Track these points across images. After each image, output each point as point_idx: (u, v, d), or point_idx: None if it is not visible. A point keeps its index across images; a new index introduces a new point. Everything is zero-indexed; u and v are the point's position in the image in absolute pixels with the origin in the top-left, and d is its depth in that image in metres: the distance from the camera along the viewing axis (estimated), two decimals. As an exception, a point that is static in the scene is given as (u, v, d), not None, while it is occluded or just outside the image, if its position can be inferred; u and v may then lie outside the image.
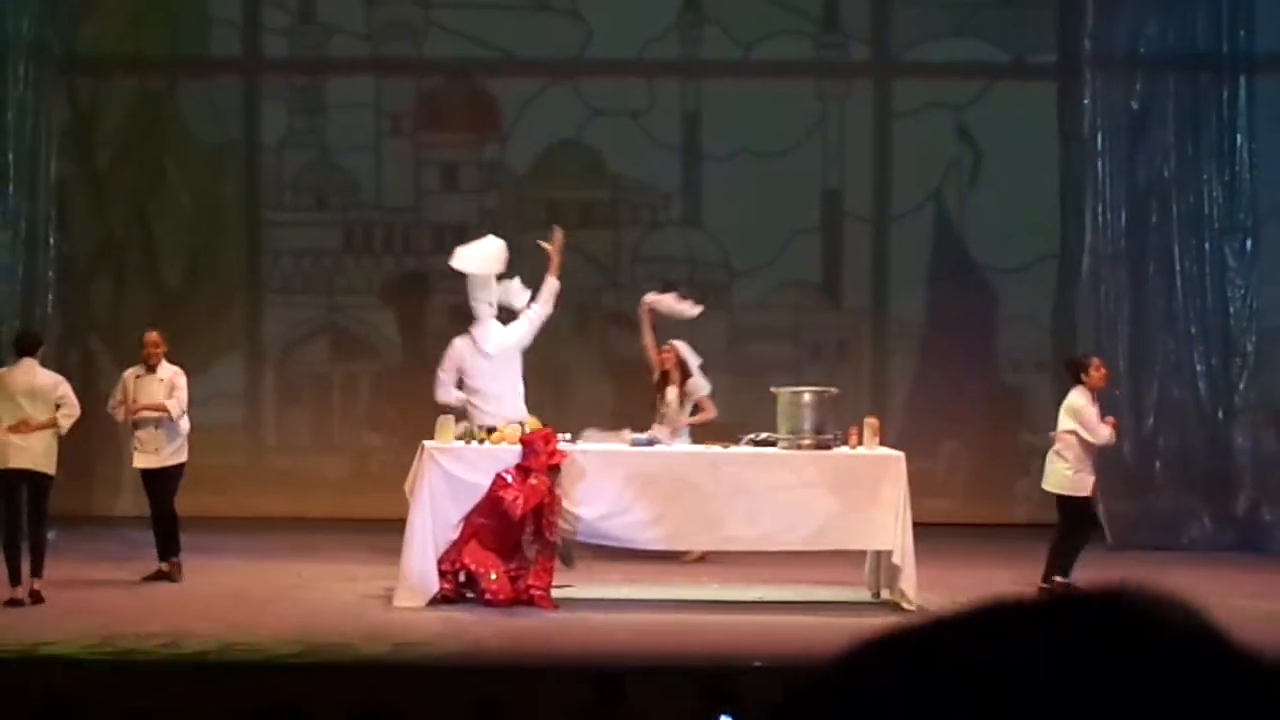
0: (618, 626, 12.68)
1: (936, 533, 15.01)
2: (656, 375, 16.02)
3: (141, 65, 19.97)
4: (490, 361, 14.52)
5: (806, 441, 13.79)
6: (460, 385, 14.55)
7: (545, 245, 14.95)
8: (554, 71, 20.00)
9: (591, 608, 13.41)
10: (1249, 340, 18.55)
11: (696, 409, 16.10)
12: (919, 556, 13.47)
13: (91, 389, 18.42)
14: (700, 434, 15.70)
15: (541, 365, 16.03)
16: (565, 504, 13.41)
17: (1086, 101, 18.64)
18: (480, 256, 14.66)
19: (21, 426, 13.67)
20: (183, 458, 14.76)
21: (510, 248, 14.69)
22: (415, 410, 15.97)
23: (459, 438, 13.81)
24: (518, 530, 13.34)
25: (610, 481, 13.59)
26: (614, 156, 20.05)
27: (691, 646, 11.85)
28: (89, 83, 20.04)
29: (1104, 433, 14.28)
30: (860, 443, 14.02)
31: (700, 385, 16.07)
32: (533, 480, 13.26)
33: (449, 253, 15.03)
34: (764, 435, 14.10)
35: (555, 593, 13.46)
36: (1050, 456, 14.47)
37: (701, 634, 12.41)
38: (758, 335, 20.05)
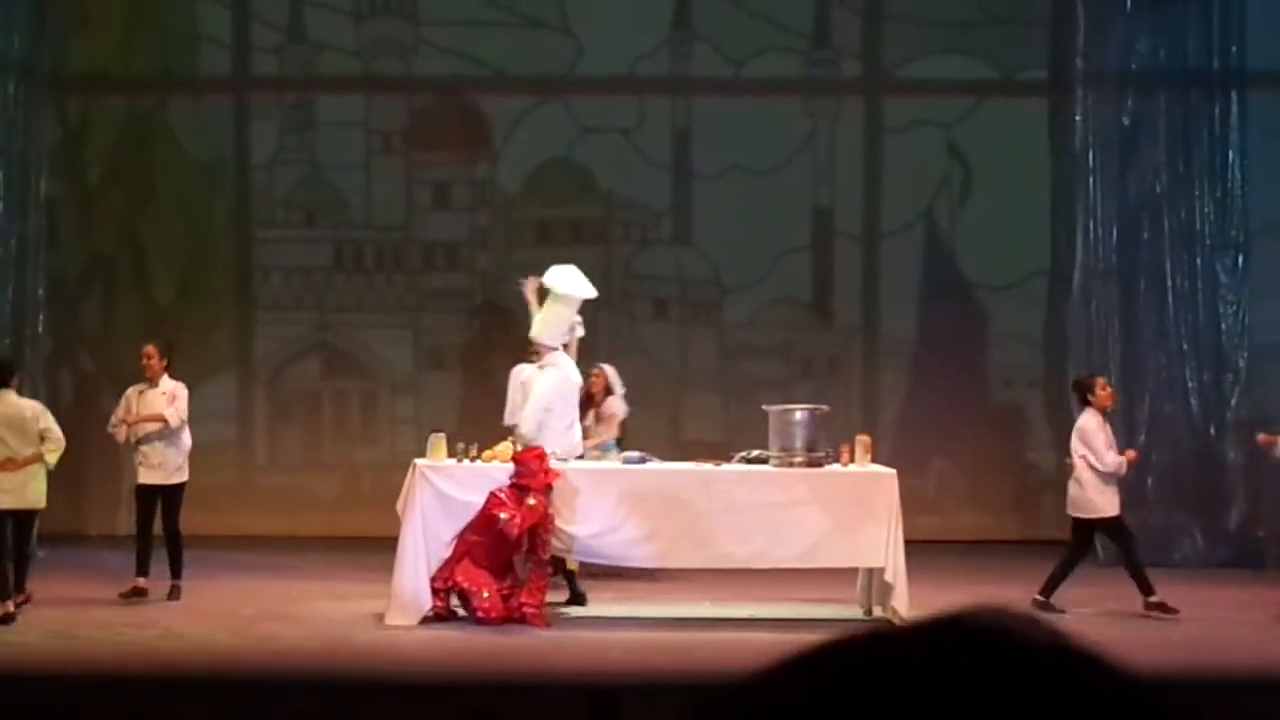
0: (611, 645, 12.66)
1: (928, 550, 15.01)
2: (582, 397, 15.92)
3: (131, 83, 19.95)
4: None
5: (798, 459, 13.78)
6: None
7: (528, 291, 14.99)
8: (544, 89, 19.99)
9: (584, 626, 13.41)
10: (1241, 356, 18.55)
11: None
12: (911, 574, 13.46)
13: (83, 407, 18.45)
14: (692, 452, 15.65)
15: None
16: (558, 522, 13.39)
17: (1078, 118, 18.64)
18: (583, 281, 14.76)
19: (8, 464, 13.56)
20: (185, 476, 14.77)
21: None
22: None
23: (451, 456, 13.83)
24: (512, 549, 13.31)
25: (602, 500, 13.57)
26: (604, 174, 20.03)
27: (684, 664, 11.82)
28: (79, 101, 20.02)
29: (1111, 461, 14.30)
30: (852, 460, 14.02)
31: (619, 407, 16.14)
32: (531, 500, 13.22)
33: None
34: (755, 453, 14.09)
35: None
36: (1070, 483, 14.54)
37: (694, 652, 12.38)
38: (748, 353, 20.03)
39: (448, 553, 13.36)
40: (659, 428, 18.51)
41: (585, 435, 15.36)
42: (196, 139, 20.02)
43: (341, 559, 16.45)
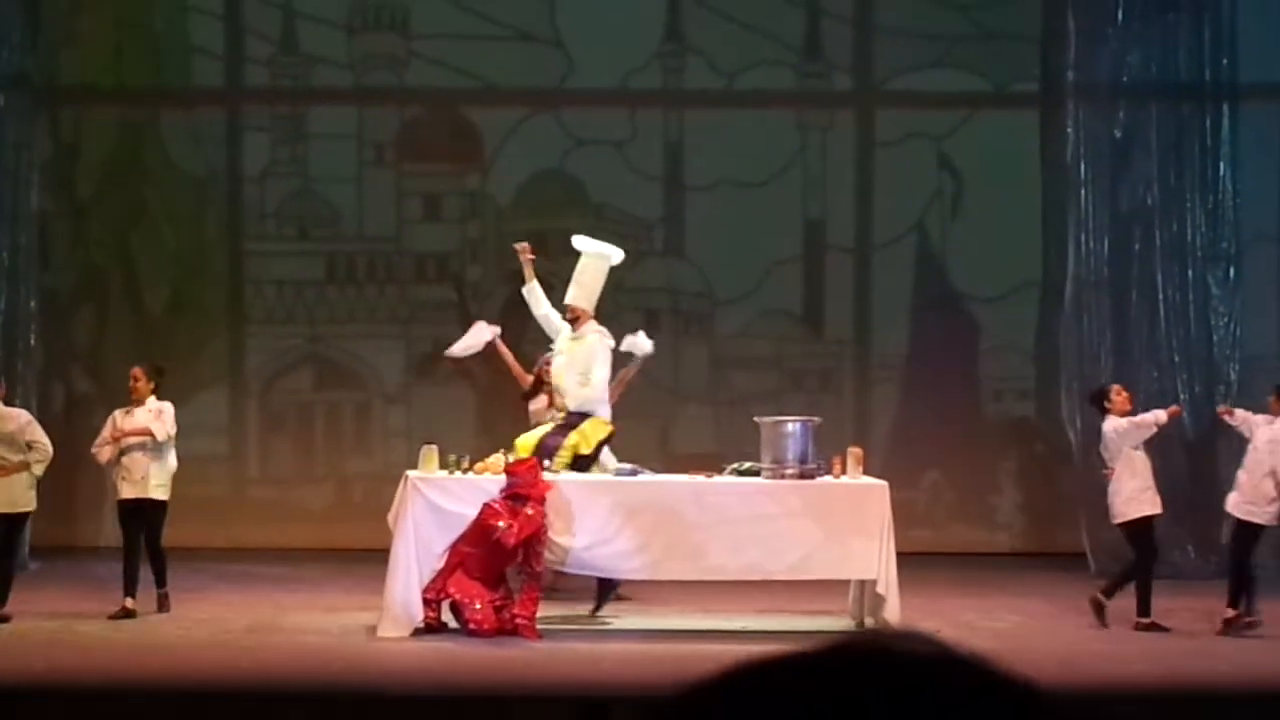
0: (603, 656, 12.64)
1: (920, 562, 15.01)
2: (529, 384, 15.66)
3: (123, 96, 19.95)
4: None
5: (790, 471, 13.76)
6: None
7: (524, 256, 14.89)
8: (536, 101, 20.01)
9: (577, 638, 13.39)
10: (1232, 368, 18.57)
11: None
12: (903, 586, 13.45)
13: (74, 419, 18.43)
14: (683, 464, 15.62)
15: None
16: (550, 534, 13.37)
17: (1069, 130, 18.64)
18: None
19: None
20: (166, 495, 14.44)
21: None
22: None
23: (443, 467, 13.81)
24: (506, 560, 13.29)
25: (594, 512, 13.55)
26: (596, 186, 20.04)
27: (677, 676, 11.79)
28: (71, 114, 20.03)
29: (1152, 415, 14.44)
30: (844, 472, 14.00)
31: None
32: (528, 510, 13.18)
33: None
34: (747, 465, 14.08)
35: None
36: (1109, 493, 14.56)
37: (686, 663, 12.34)
38: (740, 365, 20.03)
39: (440, 564, 13.33)
40: (650, 439, 18.51)
41: (535, 417, 15.21)
42: (188, 151, 20.02)
43: (333, 571, 16.44)
